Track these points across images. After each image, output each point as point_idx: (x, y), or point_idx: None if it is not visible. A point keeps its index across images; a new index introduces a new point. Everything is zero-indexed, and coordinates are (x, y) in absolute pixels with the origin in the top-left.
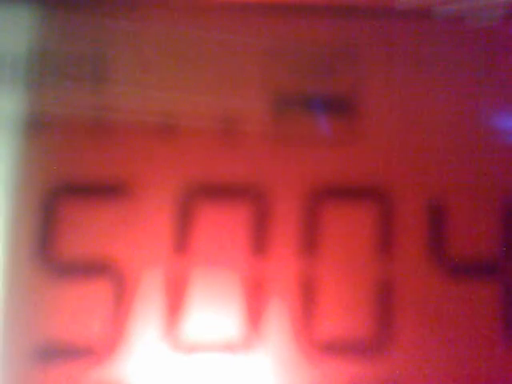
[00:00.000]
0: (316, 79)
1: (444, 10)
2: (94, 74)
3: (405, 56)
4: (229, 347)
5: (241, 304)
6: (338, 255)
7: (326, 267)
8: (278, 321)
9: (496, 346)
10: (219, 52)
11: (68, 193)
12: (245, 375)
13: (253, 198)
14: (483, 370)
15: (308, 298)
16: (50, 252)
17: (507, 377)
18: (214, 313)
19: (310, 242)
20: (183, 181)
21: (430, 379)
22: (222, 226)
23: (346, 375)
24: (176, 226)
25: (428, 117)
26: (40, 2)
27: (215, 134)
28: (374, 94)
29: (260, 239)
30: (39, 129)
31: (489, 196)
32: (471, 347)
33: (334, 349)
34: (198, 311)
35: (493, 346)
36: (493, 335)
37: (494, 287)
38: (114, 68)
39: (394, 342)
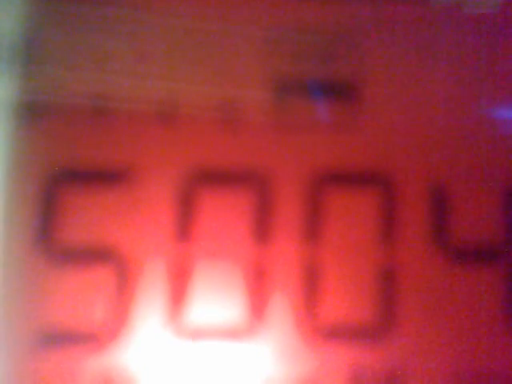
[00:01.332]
0: (317, 65)
1: None
2: (94, 63)
3: (406, 41)
4: (232, 334)
5: (244, 291)
6: (340, 242)
7: (328, 254)
8: (281, 307)
9: (499, 330)
10: (219, 39)
11: (70, 180)
12: (248, 362)
13: (255, 185)
14: (486, 354)
15: (311, 284)
16: (52, 239)
17: (510, 360)
18: (217, 299)
19: (313, 228)
20: (185, 168)
21: (433, 364)
22: (225, 213)
23: (348, 361)
24: (178, 212)
25: (429, 102)
26: None
27: (217, 121)
28: (376, 79)
29: (262, 226)
30: (41, 116)
31: (491, 181)
32: (474, 332)
33: (336, 335)
34: (200, 298)
35: (495, 330)
36: (495, 320)
37: (497, 272)
38: (113, 57)
39: (396, 328)
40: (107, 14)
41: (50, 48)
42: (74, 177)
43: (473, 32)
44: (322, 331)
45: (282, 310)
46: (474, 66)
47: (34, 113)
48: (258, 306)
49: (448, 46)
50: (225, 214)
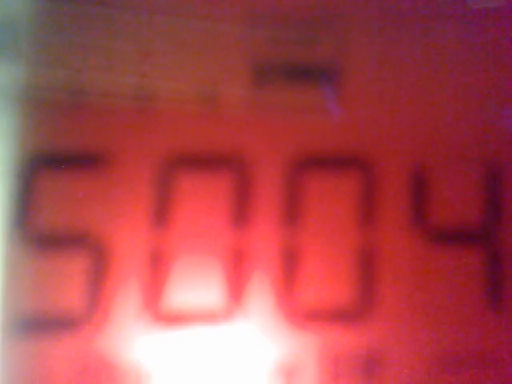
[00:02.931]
0: (298, 47)
1: None
2: (71, 58)
3: (390, 24)
4: (211, 318)
5: (223, 274)
6: (320, 225)
7: (308, 237)
8: (261, 291)
9: (478, 313)
10: (198, 20)
11: (46, 165)
12: (227, 346)
13: (234, 169)
14: (466, 336)
15: (290, 267)
16: (29, 225)
17: (490, 344)
18: (197, 284)
19: (293, 212)
20: (163, 152)
21: (413, 346)
22: (203, 197)
23: (328, 343)
24: (156, 197)
25: (411, 86)
26: None
27: (196, 103)
28: (357, 62)
29: (242, 210)
30: (17, 101)
31: (472, 164)
32: (454, 314)
33: (316, 318)
34: (179, 282)
35: (475, 313)
36: (475, 302)
37: (478, 255)
38: (91, 51)
39: (376, 310)
40: (83, 10)
41: (32, 41)
42: (50, 162)
43: (456, 18)
44: (301, 314)
45: (261, 293)
46: (457, 49)
47: (12, 98)
48: (237, 290)
49: (434, 28)
50: (203, 199)
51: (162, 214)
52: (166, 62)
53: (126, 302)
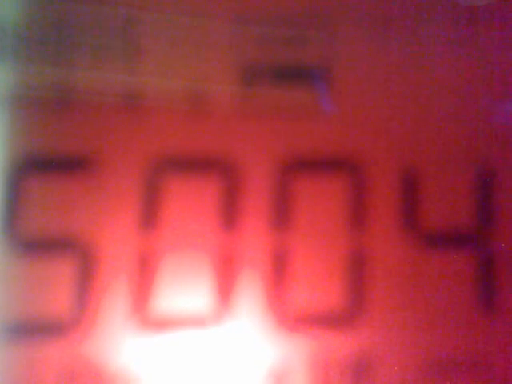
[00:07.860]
0: (288, 47)
1: None
2: (57, 57)
3: (381, 26)
4: (201, 322)
5: (212, 279)
6: (310, 228)
7: (298, 240)
8: (251, 295)
9: (470, 316)
10: (185, 20)
11: (33, 168)
12: (216, 350)
13: (223, 172)
14: (458, 341)
15: (280, 271)
16: (15, 229)
17: (482, 348)
18: (185, 288)
19: (282, 215)
20: (151, 155)
21: (404, 351)
22: (192, 200)
23: (318, 347)
24: (144, 200)
25: (402, 88)
26: None
27: (183, 106)
28: (347, 62)
29: (231, 213)
30: (2, 103)
31: (463, 167)
32: (445, 318)
33: (306, 321)
34: (167, 287)
35: (467, 316)
36: (467, 306)
37: (469, 258)
38: (78, 50)
39: (367, 314)
40: (71, 8)
41: (19, 39)
42: (37, 166)
43: (456, 22)
44: (291, 318)
45: (251, 297)
46: (450, 52)
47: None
48: (226, 294)
49: (426, 31)
50: (192, 202)
51: (150, 217)
52: (154, 60)
53: (114, 307)
